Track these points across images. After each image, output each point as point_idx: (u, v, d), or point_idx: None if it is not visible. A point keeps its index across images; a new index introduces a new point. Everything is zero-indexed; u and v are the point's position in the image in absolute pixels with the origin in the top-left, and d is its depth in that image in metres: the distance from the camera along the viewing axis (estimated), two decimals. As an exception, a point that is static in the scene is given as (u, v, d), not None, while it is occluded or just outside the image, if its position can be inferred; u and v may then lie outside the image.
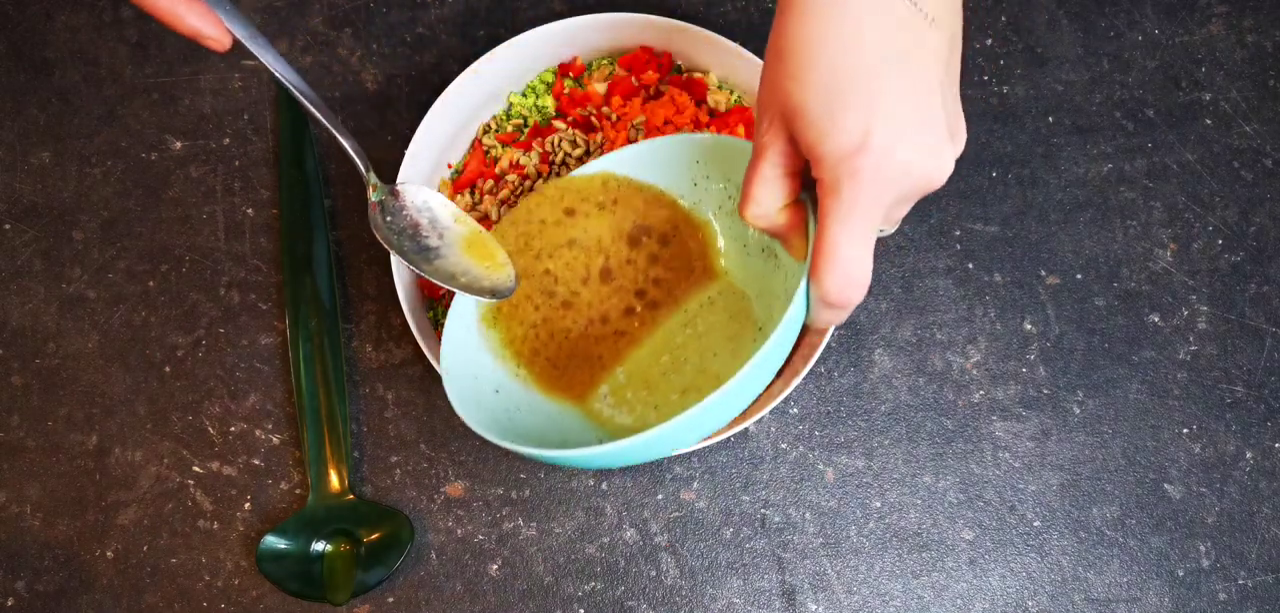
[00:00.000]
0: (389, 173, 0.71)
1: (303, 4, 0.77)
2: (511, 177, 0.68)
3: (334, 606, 0.64)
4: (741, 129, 0.68)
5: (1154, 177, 0.75)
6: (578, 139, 0.68)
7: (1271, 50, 0.77)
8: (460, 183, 0.69)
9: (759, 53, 0.71)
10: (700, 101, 0.69)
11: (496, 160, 0.69)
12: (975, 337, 0.71)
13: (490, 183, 0.68)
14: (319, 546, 0.65)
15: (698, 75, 0.70)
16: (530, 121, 0.71)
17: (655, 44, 0.70)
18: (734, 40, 0.68)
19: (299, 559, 0.65)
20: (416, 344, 0.70)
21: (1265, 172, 0.75)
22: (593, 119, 0.68)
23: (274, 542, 0.65)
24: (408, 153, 0.65)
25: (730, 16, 0.77)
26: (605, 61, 0.71)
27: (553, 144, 0.68)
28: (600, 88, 0.70)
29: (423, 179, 0.68)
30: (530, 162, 0.68)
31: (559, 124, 0.69)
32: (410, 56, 0.76)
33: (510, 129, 0.71)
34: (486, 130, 0.71)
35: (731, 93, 0.70)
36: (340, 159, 0.74)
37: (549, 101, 0.71)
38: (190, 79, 0.75)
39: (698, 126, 0.68)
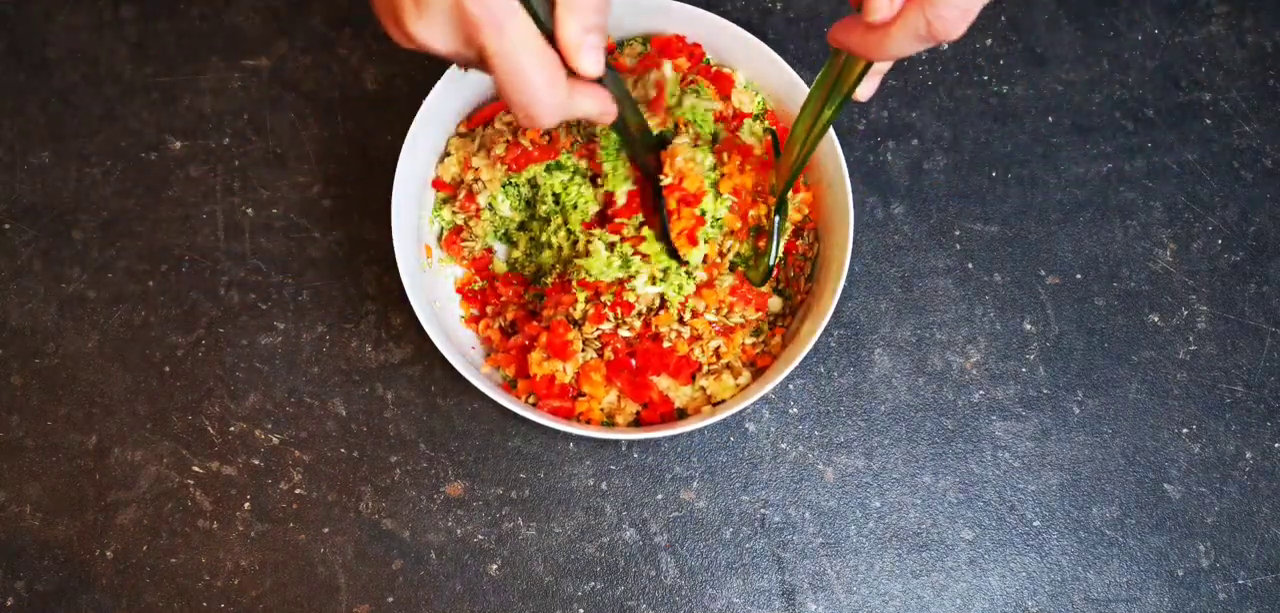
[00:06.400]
0: (388, 170, 0.70)
1: (303, 4, 0.77)
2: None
3: None
4: (758, 149, 0.67)
5: (1154, 177, 0.75)
6: None
7: (1271, 50, 0.77)
8: (475, 119, 0.68)
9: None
10: (725, 97, 0.69)
11: None
12: (975, 337, 0.71)
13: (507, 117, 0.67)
14: None
15: (726, 71, 0.70)
16: None
17: (689, 34, 0.69)
18: (734, 40, 0.68)
19: None
20: (416, 344, 0.70)
21: (1265, 171, 0.75)
22: None
23: None
24: (417, 119, 0.64)
25: (730, 16, 0.77)
26: (637, 41, 0.70)
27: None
28: (630, 63, 0.68)
29: (428, 150, 0.67)
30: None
31: None
32: (410, 56, 0.76)
33: None
34: None
35: (757, 93, 0.70)
36: (339, 159, 0.74)
37: None
38: (190, 79, 0.75)
39: (719, 119, 0.67)
